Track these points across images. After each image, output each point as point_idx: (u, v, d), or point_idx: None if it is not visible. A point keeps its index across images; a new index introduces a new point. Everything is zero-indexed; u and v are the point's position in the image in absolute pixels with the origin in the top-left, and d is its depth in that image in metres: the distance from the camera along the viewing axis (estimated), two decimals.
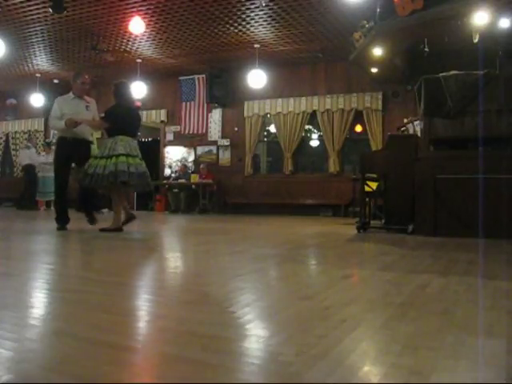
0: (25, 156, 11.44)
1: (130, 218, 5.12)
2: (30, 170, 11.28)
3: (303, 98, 10.35)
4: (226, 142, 11.16)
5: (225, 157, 11.22)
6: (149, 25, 8.10)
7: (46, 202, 11.35)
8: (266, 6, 7.33)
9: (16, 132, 13.76)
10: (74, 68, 10.92)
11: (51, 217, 5.91)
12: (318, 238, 5.10)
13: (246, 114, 10.90)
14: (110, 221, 5.13)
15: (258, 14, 7.73)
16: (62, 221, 5.28)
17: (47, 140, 12.78)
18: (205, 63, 10.45)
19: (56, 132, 5.44)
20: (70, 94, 5.35)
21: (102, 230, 4.98)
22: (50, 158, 11.32)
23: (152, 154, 11.02)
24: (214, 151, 11.30)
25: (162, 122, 11.72)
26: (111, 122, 4.93)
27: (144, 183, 5.06)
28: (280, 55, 9.85)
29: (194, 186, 10.67)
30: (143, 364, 1.22)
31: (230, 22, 8.06)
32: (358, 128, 10.22)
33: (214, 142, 11.27)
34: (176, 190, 10.93)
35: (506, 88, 4.97)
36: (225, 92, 10.83)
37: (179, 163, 11.51)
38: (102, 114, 5.21)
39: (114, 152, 4.79)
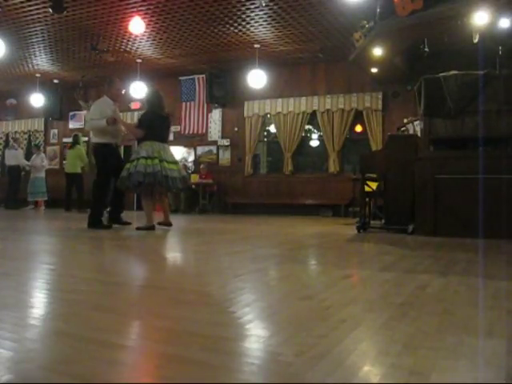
0: (10, 157, 11.46)
1: (166, 224, 5.38)
2: (15, 170, 11.32)
3: (303, 97, 10.35)
4: (226, 142, 11.16)
5: (225, 157, 11.22)
6: (149, 25, 8.10)
7: (37, 201, 11.48)
8: (266, 5, 7.33)
9: (16, 132, 13.76)
10: (74, 68, 10.95)
11: (46, 217, 5.89)
12: (317, 238, 5.10)
13: (246, 114, 10.91)
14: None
15: (258, 14, 7.73)
16: (100, 222, 5.42)
17: (36, 142, 12.91)
18: (205, 63, 10.45)
19: (96, 138, 5.57)
20: (108, 99, 5.55)
21: (138, 228, 5.25)
22: (39, 160, 11.45)
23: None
24: (214, 151, 11.30)
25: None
26: (143, 128, 5.25)
27: (158, 181, 5.14)
28: (280, 55, 9.86)
29: (194, 186, 10.67)
30: (143, 364, 1.22)
31: (230, 22, 8.06)
32: (358, 128, 10.22)
33: (214, 142, 11.28)
34: (176, 190, 10.91)
35: (506, 88, 4.96)
36: (225, 92, 10.84)
37: (179, 163, 11.50)
38: (137, 123, 5.49)
39: (137, 155, 5.15)
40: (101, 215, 5.46)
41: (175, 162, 5.47)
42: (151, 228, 5.21)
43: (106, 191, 5.57)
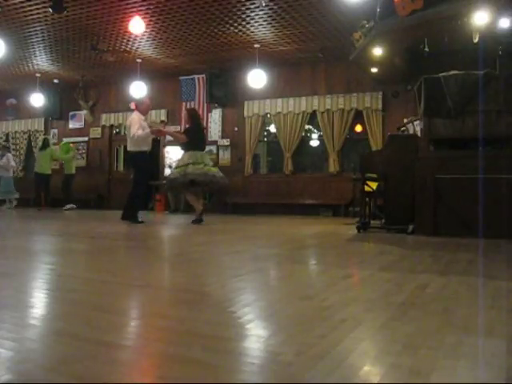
0: None
1: (198, 220, 6.34)
2: None
3: (303, 98, 10.34)
4: (226, 142, 11.15)
5: (225, 157, 11.21)
6: (149, 25, 8.10)
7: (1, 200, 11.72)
8: (266, 5, 7.33)
9: (16, 132, 13.76)
10: (74, 68, 10.94)
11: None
12: (317, 237, 5.10)
13: (246, 114, 10.90)
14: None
15: (258, 14, 7.73)
16: (136, 217, 6.32)
17: (4, 143, 13.06)
18: (205, 63, 10.44)
19: (134, 147, 6.52)
20: (139, 114, 6.59)
21: (193, 221, 6.34)
22: (5, 160, 11.62)
23: (152, 153, 11.00)
24: (214, 151, 11.29)
25: (162, 121, 11.70)
26: (189, 138, 6.46)
27: (207, 180, 6.32)
28: (280, 55, 9.85)
29: None
30: (143, 364, 1.22)
31: (230, 22, 8.06)
32: (358, 128, 10.21)
33: (214, 142, 11.27)
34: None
35: (505, 88, 4.96)
36: (225, 92, 10.83)
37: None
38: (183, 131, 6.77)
39: (184, 162, 6.36)
40: (137, 211, 6.38)
41: (214, 166, 6.76)
42: (202, 214, 6.33)
43: (143, 191, 6.62)
